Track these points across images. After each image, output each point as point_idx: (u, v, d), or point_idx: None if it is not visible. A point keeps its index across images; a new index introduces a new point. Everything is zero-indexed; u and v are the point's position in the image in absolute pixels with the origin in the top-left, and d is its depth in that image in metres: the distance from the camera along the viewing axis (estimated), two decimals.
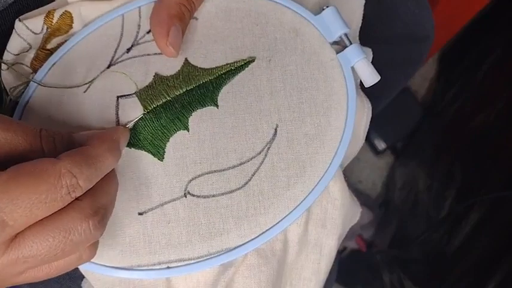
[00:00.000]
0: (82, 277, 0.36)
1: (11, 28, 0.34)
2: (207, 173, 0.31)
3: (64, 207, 0.24)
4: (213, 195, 0.31)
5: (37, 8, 0.35)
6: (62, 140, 0.27)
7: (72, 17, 0.33)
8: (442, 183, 0.80)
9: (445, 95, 0.94)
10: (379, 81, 0.33)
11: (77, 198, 0.24)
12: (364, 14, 0.37)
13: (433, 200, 0.81)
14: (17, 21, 0.33)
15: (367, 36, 0.37)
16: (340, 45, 0.34)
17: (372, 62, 0.34)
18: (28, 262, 0.23)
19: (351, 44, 0.33)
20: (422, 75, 1.05)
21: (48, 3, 0.35)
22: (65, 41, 0.34)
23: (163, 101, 0.31)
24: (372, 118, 0.35)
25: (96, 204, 0.25)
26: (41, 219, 0.23)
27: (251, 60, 0.32)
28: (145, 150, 0.31)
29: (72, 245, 0.24)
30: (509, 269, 0.58)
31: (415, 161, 0.95)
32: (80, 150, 0.25)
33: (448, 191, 0.77)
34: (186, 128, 0.31)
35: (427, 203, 0.83)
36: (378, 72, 0.33)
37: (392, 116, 0.96)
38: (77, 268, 0.35)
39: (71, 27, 0.34)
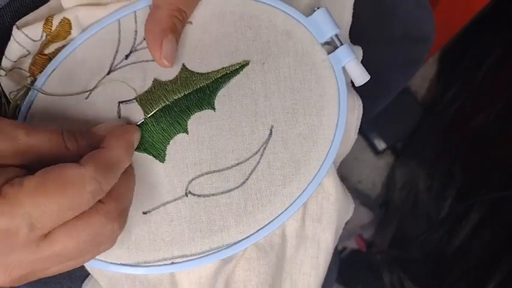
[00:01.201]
0: (83, 278, 0.36)
1: (8, 27, 0.34)
2: (206, 173, 0.32)
3: (91, 210, 0.25)
4: (213, 194, 0.32)
5: (33, 5, 0.35)
6: (82, 136, 0.28)
7: (70, 23, 0.34)
8: (442, 183, 0.80)
9: (445, 95, 0.94)
10: (379, 82, 0.34)
11: (99, 200, 0.25)
12: (364, 15, 0.37)
13: (433, 200, 0.81)
14: (15, 28, 0.34)
15: (368, 36, 0.37)
16: (331, 46, 0.34)
17: (372, 61, 0.34)
18: (56, 260, 0.25)
19: (341, 44, 0.34)
20: (422, 75, 1.05)
21: (44, 3, 0.35)
22: (63, 46, 0.34)
23: (163, 105, 0.32)
24: (372, 118, 0.36)
25: (120, 207, 0.27)
26: (71, 220, 0.24)
27: (245, 63, 0.33)
28: (147, 153, 0.32)
29: (98, 243, 0.26)
30: (509, 269, 0.58)
31: (415, 161, 0.95)
32: (101, 154, 0.26)
33: (448, 191, 0.77)
34: (186, 131, 0.32)
35: (427, 203, 0.83)
36: (379, 73, 0.33)
37: (393, 116, 0.96)
38: (77, 268, 0.35)
39: (69, 33, 0.34)
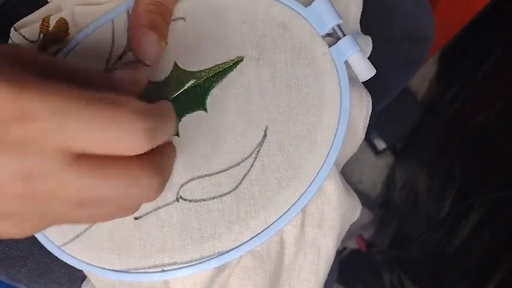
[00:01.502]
0: (82, 279, 0.36)
1: (6, 28, 0.34)
2: (198, 178, 0.31)
3: (137, 157, 0.22)
4: (204, 200, 0.31)
5: (31, 5, 0.35)
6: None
7: (67, 23, 0.33)
8: (442, 183, 0.80)
9: (445, 95, 0.94)
10: (379, 82, 0.33)
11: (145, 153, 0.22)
12: (364, 14, 0.36)
13: (433, 200, 0.81)
14: (12, 30, 0.33)
15: None
16: (333, 37, 0.32)
17: (372, 61, 0.33)
18: (84, 195, 0.21)
19: (344, 35, 0.31)
20: (422, 75, 1.05)
21: (43, 5, 0.35)
22: (60, 49, 0.33)
23: None
24: (372, 118, 0.35)
25: (166, 164, 0.24)
26: (111, 161, 0.21)
27: (239, 60, 0.32)
28: None
29: (129, 195, 0.22)
30: (509, 269, 0.58)
31: (415, 161, 0.95)
32: (154, 105, 0.23)
33: (448, 191, 0.77)
34: (176, 134, 0.31)
35: (427, 203, 0.83)
36: (379, 72, 0.32)
37: (393, 116, 0.96)
38: (77, 269, 0.35)
39: (67, 33, 0.33)
